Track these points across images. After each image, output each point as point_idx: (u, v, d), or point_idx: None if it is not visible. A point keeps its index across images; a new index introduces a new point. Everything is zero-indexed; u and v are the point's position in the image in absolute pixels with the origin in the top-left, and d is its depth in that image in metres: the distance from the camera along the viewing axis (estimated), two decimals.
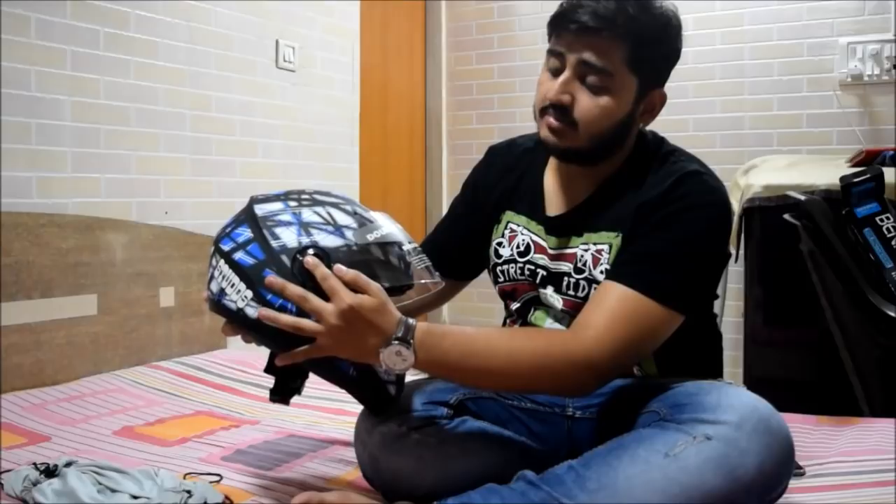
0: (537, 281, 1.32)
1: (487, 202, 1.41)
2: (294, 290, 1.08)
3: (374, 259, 1.13)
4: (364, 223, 1.15)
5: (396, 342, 1.07)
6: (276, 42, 2.82)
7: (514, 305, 1.37)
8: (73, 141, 2.16)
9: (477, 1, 3.81)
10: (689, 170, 1.22)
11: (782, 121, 3.20)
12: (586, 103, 1.20)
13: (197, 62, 2.52)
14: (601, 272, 1.24)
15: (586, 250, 1.26)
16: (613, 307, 1.14)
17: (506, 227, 1.38)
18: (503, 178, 1.41)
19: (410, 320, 1.10)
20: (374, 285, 1.09)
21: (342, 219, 1.14)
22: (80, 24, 2.17)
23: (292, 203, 1.17)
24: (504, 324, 1.43)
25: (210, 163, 2.57)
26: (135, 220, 2.30)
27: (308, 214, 1.14)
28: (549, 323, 1.32)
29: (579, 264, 1.26)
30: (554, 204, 1.33)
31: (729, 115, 3.29)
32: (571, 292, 1.28)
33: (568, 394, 1.25)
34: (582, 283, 1.26)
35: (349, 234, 1.13)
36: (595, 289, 1.23)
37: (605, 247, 1.24)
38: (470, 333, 1.13)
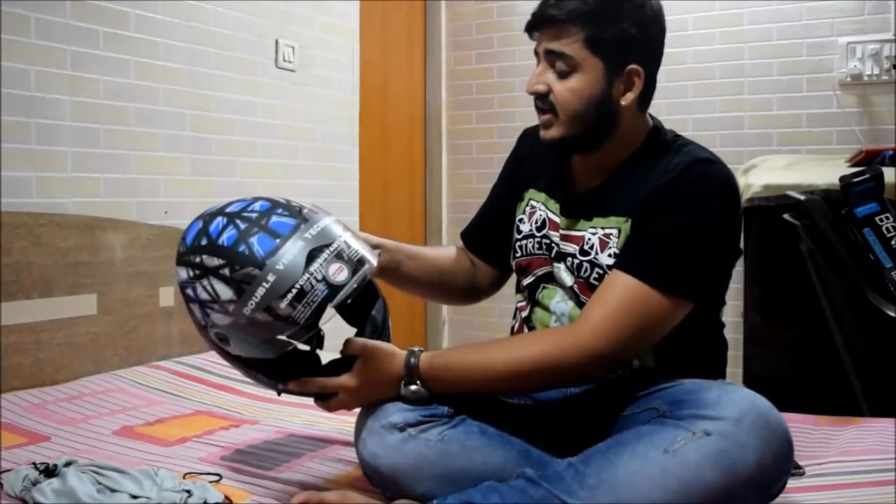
0: (552, 255, 1.35)
1: (517, 184, 1.47)
2: (311, 386, 1.25)
3: (264, 323, 1.14)
4: (242, 289, 1.13)
5: (413, 385, 1.22)
6: (276, 42, 2.82)
7: (527, 280, 1.40)
8: (73, 141, 2.16)
9: (477, 1, 3.81)
10: (700, 157, 1.24)
11: (782, 121, 3.20)
12: (557, 88, 1.27)
13: (197, 62, 2.52)
14: (609, 255, 1.26)
15: (594, 234, 1.29)
16: (614, 298, 1.18)
17: (527, 205, 1.43)
18: (530, 159, 1.47)
19: (412, 360, 1.22)
20: (368, 348, 1.23)
21: (223, 292, 1.14)
22: (80, 24, 2.17)
23: (192, 273, 1.18)
24: (516, 310, 1.46)
25: (210, 162, 2.57)
26: (134, 219, 2.30)
27: (200, 290, 1.17)
28: (556, 302, 1.34)
29: (585, 247, 1.29)
30: (571, 185, 1.38)
31: (728, 115, 3.29)
32: (575, 273, 1.31)
33: (576, 384, 1.28)
34: (585, 265, 1.29)
35: (231, 308, 1.14)
36: (597, 272, 1.27)
37: (614, 231, 1.27)
38: (469, 357, 1.23)
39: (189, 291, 1.19)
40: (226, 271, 1.14)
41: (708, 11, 3.31)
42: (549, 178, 1.41)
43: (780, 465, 1.04)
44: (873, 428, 1.63)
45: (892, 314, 1.98)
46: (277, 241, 1.14)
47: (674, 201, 1.21)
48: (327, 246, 1.16)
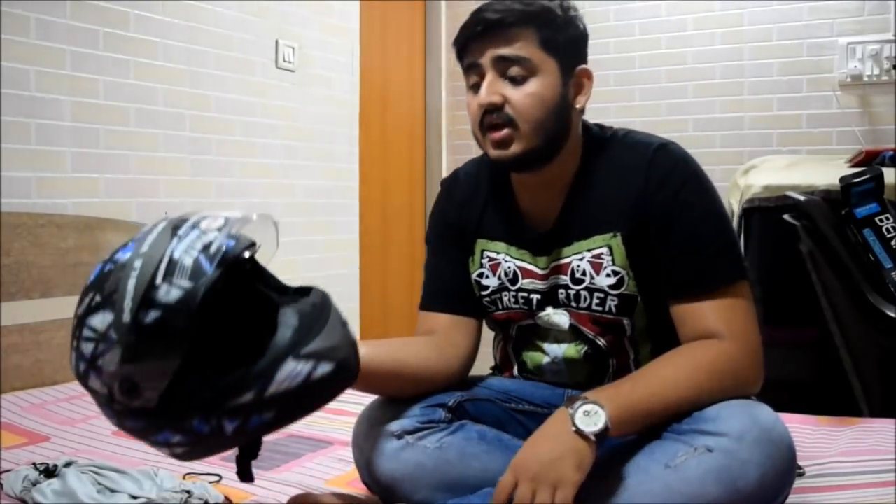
0: (533, 307, 1.29)
1: (461, 234, 1.36)
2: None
3: (154, 326, 0.91)
4: (113, 299, 0.94)
5: (581, 402, 1.04)
6: (276, 42, 2.82)
7: (511, 331, 1.34)
8: (73, 141, 2.16)
9: (477, 1, 3.80)
10: (655, 146, 1.22)
11: (782, 121, 3.20)
12: (517, 96, 1.19)
13: (196, 62, 2.52)
14: (607, 275, 1.21)
15: (581, 259, 1.23)
16: (720, 309, 1.15)
17: (482, 257, 1.33)
18: (464, 208, 1.36)
19: (570, 403, 1.05)
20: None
21: (99, 322, 0.98)
22: (80, 24, 2.17)
23: (71, 346, 1.06)
24: (495, 347, 1.41)
25: (209, 163, 2.57)
26: (134, 220, 2.30)
27: (83, 348, 1.03)
28: (548, 345, 1.30)
29: (577, 275, 1.24)
30: (531, 223, 1.29)
31: (729, 115, 3.29)
32: (573, 304, 1.25)
33: (746, 391, 1.16)
34: (583, 293, 1.24)
35: (113, 331, 0.95)
36: (598, 297, 1.23)
37: (604, 249, 1.22)
38: (635, 375, 1.14)
39: (80, 371, 0.97)
40: (97, 299, 0.95)
41: (708, 11, 3.31)
42: (502, 224, 1.31)
43: (782, 479, 1.04)
44: (873, 428, 1.63)
45: (892, 314, 1.98)
46: (133, 241, 0.97)
47: (669, 205, 1.18)
48: (189, 218, 0.97)
